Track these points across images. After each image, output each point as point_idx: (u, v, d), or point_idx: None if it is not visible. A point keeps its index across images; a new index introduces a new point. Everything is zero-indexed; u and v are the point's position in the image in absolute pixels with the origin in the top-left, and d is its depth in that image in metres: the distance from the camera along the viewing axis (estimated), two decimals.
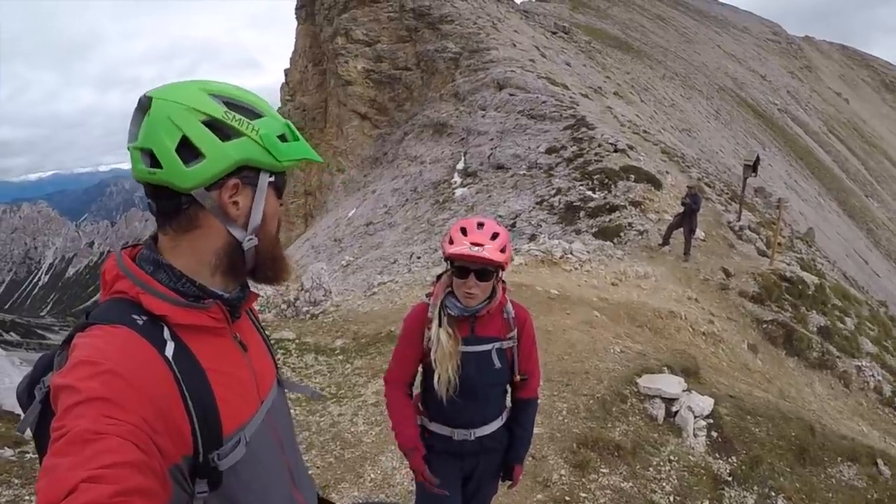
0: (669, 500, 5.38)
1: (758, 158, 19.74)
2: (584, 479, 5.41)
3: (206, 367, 1.30)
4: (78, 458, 0.98)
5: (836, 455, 6.67)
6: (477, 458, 2.99)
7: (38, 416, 1.18)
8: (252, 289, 1.52)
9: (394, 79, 39.73)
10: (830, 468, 6.46)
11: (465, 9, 40.60)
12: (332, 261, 26.27)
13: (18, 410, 6.27)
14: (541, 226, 20.67)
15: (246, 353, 1.46)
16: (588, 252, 15.75)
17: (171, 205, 1.29)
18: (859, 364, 13.61)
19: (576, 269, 14.28)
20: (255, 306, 1.70)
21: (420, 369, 2.95)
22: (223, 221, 1.32)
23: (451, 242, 2.65)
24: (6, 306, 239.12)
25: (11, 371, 7.79)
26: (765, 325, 13.67)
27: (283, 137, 1.38)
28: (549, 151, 25.89)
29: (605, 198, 20.80)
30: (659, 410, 6.80)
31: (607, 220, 19.43)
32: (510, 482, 3.16)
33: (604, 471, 5.57)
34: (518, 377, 2.92)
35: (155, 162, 1.24)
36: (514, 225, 21.20)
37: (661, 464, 5.90)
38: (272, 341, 1.78)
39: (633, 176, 21.69)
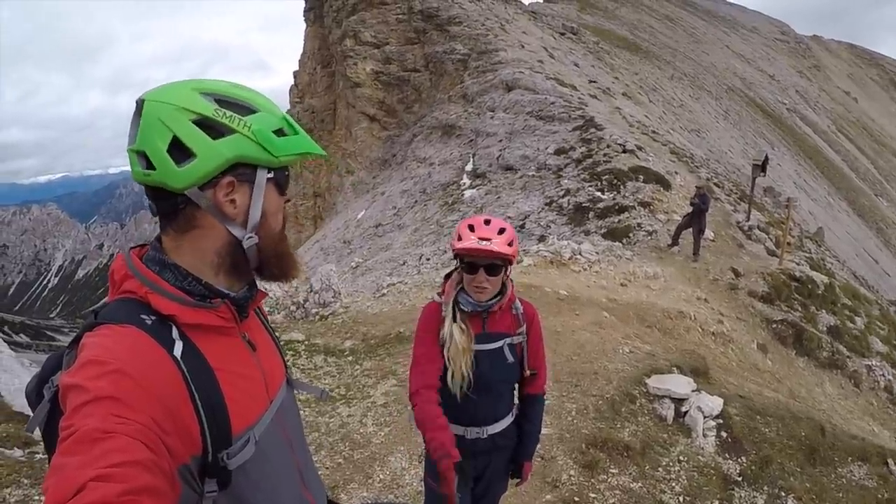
0: (679, 501, 5.36)
1: (767, 158, 19.67)
2: (593, 480, 5.41)
3: (215, 367, 1.30)
4: (86, 456, 0.99)
5: (846, 455, 6.63)
6: (488, 456, 2.99)
7: (46, 416, 1.18)
8: (260, 288, 1.52)
9: (402, 80, 39.76)
10: (841, 468, 6.42)
11: (473, 10, 40.62)
12: (341, 262, 26.30)
13: (28, 411, 6.31)
14: (550, 227, 20.64)
15: (255, 353, 1.46)
16: (597, 253, 15.73)
17: (168, 205, 1.30)
18: (869, 363, 13.54)
19: (585, 269, 14.25)
20: (265, 307, 1.70)
21: None
22: (221, 220, 1.32)
23: (460, 239, 2.68)
24: (16, 308, 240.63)
25: (21, 372, 7.82)
26: (774, 325, 13.62)
27: (280, 132, 1.36)
28: (558, 152, 25.85)
29: (614, 198, 20.75)
30: (668, 411, 6.78)
31: (616, 220, 19.39)
32: (519, 479, 3.17)
33: (613, 471, 5.56)
34: (528, 372, 2.94)
35: (149, 164, 1.25)
36: (523, 226, 21.16)
37: (671, 464, 5.88)
38: (281, 342, 1.77)
39: (642, 176, 21.65)
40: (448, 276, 2.93)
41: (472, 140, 30.85)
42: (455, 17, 38.62)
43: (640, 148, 24.67)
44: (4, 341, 9.06)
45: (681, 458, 6.02)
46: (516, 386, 3.06)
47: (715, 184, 25.48)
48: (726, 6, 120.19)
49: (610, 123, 27.68)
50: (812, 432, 6.90)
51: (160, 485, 1.05)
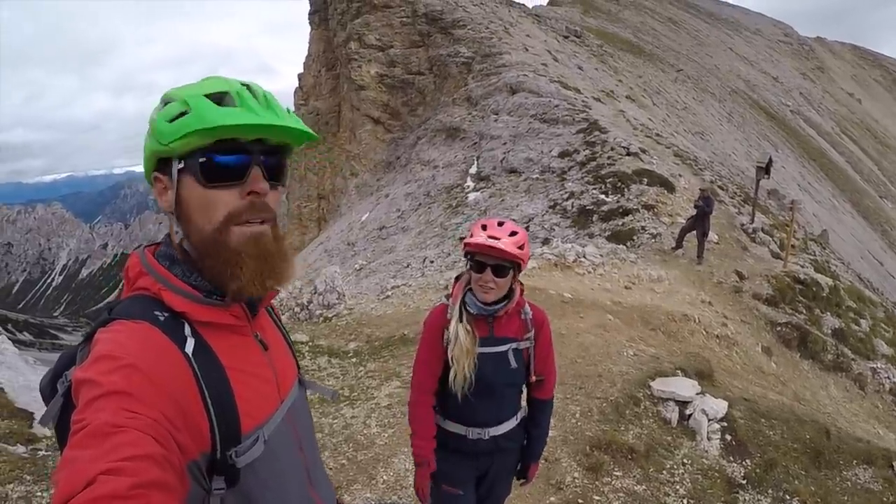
0: None
1: (770, 160, 19.62)
2: (597, 482, 5.40)
3: (226, 365, 1.30)
4: (97, 450, 0.99)
5: (851, 458, 6.60)
6: (491, 457, 3.00)
7: (60, 410, 1.18)
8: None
9: (407, 83, 39.82)
10: (846, 471, 6.40)
11: (477, 13, 40.69)
12: (345, 264, 26.30)
13: (32, 408, 6.34)
14: (554, 230, 20.65)
15: (266, 352, 1.46)
16: (601, 255, 15.72)
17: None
18: (874, 366, 13.52)
19: (589, 272, 14.25)
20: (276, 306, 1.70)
21: None
22: (168, 218, 1.35)
23: (471, 236, 2.70)
24: (20, 306, 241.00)
25: (25, 370, 7.86)
26: (779, 328, 13.59)
27: (183, 115, 1.24)
28: (562, 155, 25.87)
29: (617, 201, 20.74)
30: (672, 413, 6.78)
31: (620, 223, 19.38)
32: (524, 480, 3.18)
33: (617, 474, 5.56)
34: (534, 378, 2.95)
35: None
36: (527, 229, 21.07)
37: (675, 467, 5.88)
38: None
39: (645, 179, 21.64)
40: (458, 278, 2.94)
41: (475, 143, 30.89)
42: (459, 21, 38.68)
43: (643, 151, 24.69)
44: (8, 339, 9.10)
45: (685, 460, 6.01)
46: (524, 389, 3.06)
47: (719, 186, 25.46)
48: (729, 8, 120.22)
49: (614, 126, 27.71)
50: (817, 435, 6.88)
51: (170, 480, 1.05)
